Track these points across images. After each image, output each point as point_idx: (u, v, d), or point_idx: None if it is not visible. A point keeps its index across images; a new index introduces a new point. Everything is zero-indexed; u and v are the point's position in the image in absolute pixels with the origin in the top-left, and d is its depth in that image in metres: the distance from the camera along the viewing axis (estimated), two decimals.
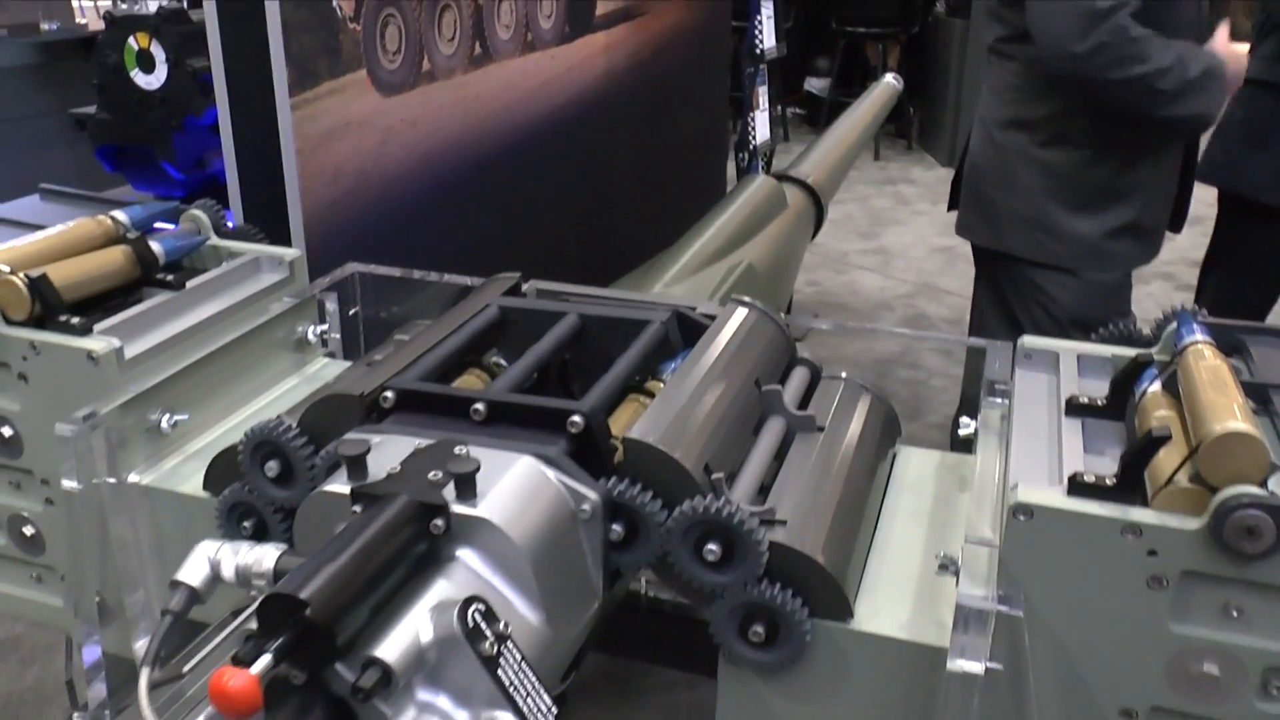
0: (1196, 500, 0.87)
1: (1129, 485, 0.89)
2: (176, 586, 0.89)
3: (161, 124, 1.99)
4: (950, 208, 2.44)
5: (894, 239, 5.69)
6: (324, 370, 1.54)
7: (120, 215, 1.42)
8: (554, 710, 0.85)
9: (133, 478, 1.24)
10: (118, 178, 2.26)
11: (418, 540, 0.90)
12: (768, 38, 4.53)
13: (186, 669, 0.89)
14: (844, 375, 1.31)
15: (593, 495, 0.97)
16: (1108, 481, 0.90)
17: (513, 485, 0.94)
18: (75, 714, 0.80)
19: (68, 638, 1.64)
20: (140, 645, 1.24)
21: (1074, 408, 1.06)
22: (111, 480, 1.21)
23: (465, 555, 0.91)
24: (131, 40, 1.95)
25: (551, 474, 0.97)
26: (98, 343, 1.22)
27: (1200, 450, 0.86)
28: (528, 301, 1.30)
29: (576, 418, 1.00)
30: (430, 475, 0.92)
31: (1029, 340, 1.22)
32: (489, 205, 2.43)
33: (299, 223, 1.79)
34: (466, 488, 0.90)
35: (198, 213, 1.53)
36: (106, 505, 1.22)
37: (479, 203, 2.39)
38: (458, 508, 0.90)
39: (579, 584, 0.98)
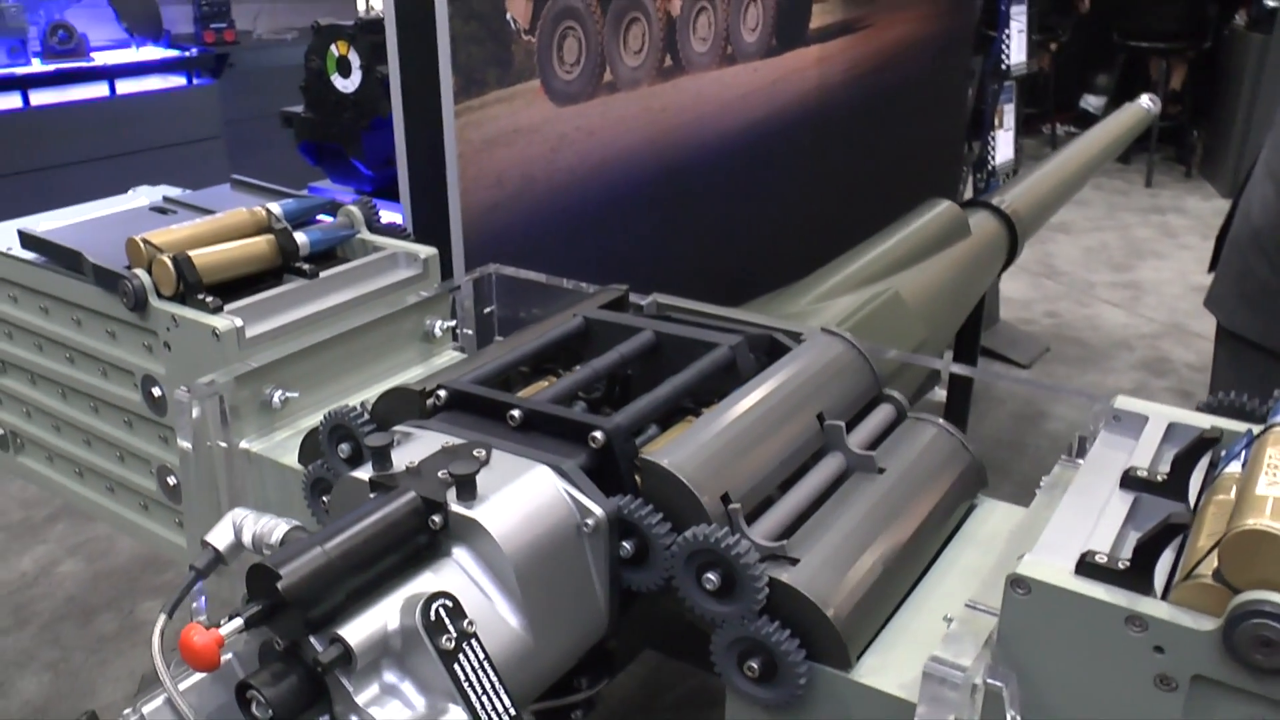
0: (1216, 599, 0.78)
1: (1142, 572, 0.81)
2: (205, 547, 0.98)
3: (353, 124, 2.17)
4: (1211, 267, 1.99)
5: (1150, 273, 5.26)
6: (448, 364, 1.62)
7: (274, 207, 1.55)
8: (512, 712, 0.87)
9: (244, 444, 1.36)
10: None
11: (418, 533, 0.94)
12: (1016, 52, 4.31)
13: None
14: (929, 418, 1.25)
15: (598, 511, 0.98)
16: (1121, 565, 0.82)
17: (517, 491, 0.97)
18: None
19: None
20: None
21: (1131, 480, 0.97)
22: (223, 445, 1.34)
23: (459, 553, 0.95)
24: (333, 47, 2.14)
25: (562, 485, 0.99)
26: (222, 321, 1.35)
27: (1222, 545, 0.77)
28: (611, 314, 1.32)
29: (598, 433, 1.02)
30: (440, 473, 0.96)
31: (1122, 401, 1.12)
32: (669, 218, 2.46)
33: (458, 221, 1.90)
34: (466, 489, 0.94)
35: (353, 208, 1.66)
36: (218, 466, 1.35)
37: (658, 215, 2.43)
38: (455, 507, 0.94)
39: (577, 596, 0.99)
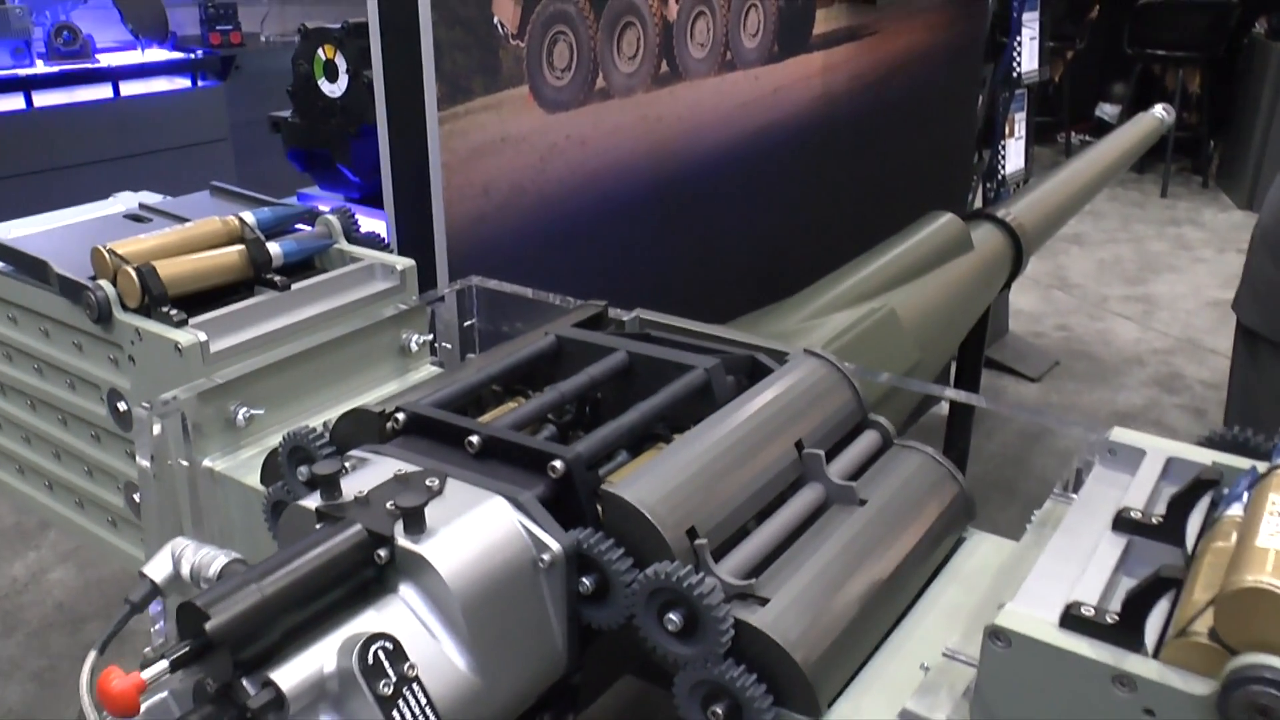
0: (1212, 660, 0.72)
1: (1131, 626, 0.75)
2: (141, 579, 0.93)
3: (341, 131, 2.12)
4: None
5: (1164, 288, 5.18)
6: (425, 378, 1.57)
7: (248, 216, 1.51)
8: None
9: (207, 463, 1.31)
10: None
11: (363, 567, 0.89)
12: (1028, 59, 4.24)
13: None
14: (916, 445, 1.19)
15: (554, 546, 0.93)
16: (1109, 618, 0.76)
17: (469, 525, 0.92)
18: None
19: None
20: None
21: (1124, 522, 0.91)
22: (185, 463, 1.30)
23: (406, 590, 0.89)
24: (320, 51, 2.09)
25: (517, 518, 0.94)
26: (185, 335, 1.30)
27: (1218, 602, 0.71)
28: (584, 333, 1.27)
29: (557, 463, 0.97)
30: (389, 504, 0.91)
31: (1119, 434, 1.06)
32: (665, 230, 2.41)
33: (442, 232, 1.85)
34: (413, 521, 0.89)
35: (331, 218, 1.61)
36: (179, 486, 1.30)
37: (653, 227, 2.38)
38: (402, 541, 0.89)
39: (531, 634, 0.94)
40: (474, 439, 1.02)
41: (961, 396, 1.30)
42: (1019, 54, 4.17)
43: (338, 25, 2.11)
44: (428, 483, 0.95)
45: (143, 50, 4.73)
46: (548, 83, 2.01)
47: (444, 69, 1.76)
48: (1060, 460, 3.75)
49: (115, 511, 1.55)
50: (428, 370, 1.60)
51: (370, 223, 2.19)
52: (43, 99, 4.17)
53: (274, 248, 1.49)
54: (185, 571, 0.92)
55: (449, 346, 1.66)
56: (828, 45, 2.94)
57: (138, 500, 1.49)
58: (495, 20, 1.84)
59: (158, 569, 0.93)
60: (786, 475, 1.09)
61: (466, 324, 1.67)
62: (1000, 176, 4.26)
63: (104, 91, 4.39)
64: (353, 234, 1.63)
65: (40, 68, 4.23)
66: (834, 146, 3.02)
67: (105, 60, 4.49)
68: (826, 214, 3.06)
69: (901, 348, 1.71)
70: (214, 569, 0.91)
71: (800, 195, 2.94)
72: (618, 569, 0.93)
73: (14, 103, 4.09)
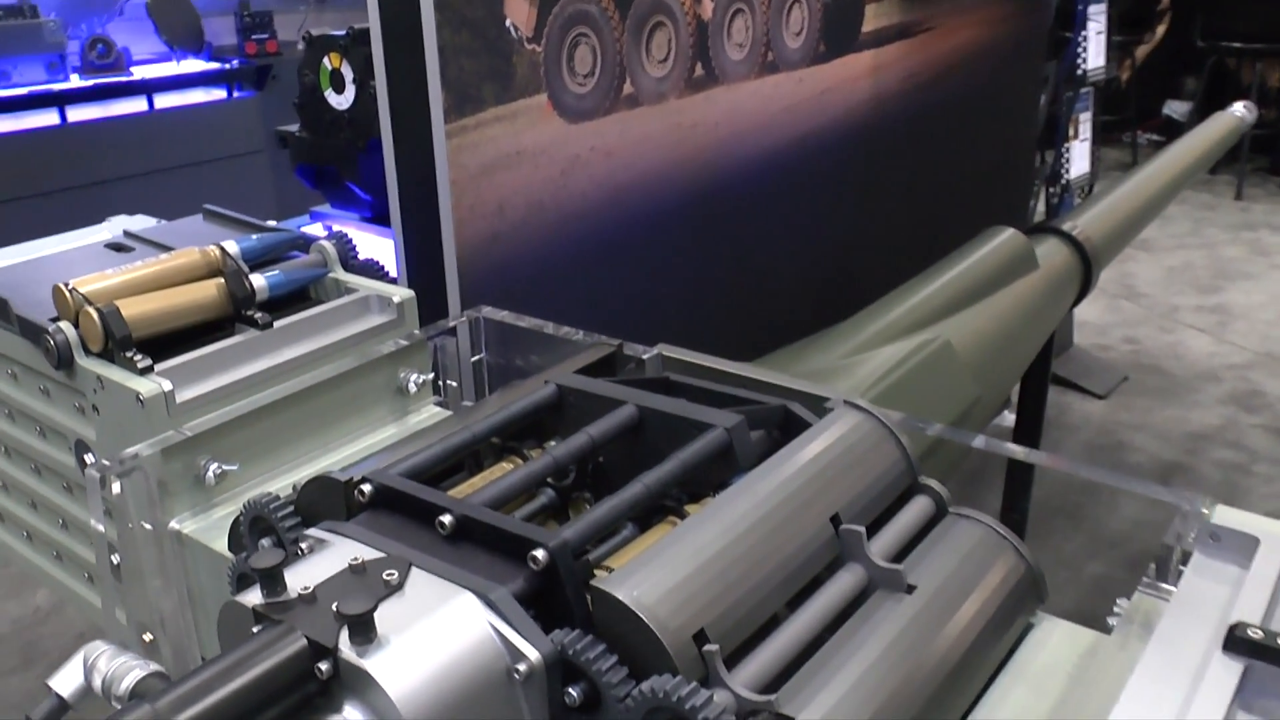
0: None
1: None
2: (48, 693, 0.79)
3: (349, 145, 1.99)
4: None
5: (1239, 296, 4.89)
6: (427, 422, 1.43)
7: (230, 246, 1.37)
8: None
9: (174, 524, 1.18)
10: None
11: (304, 681, 0.75)
12: (1094, 56, 4.01)
13: None
14: (974, 514, 1.01)
15: (533, 655, 0.77)
16: None
17: (429, 630, 0.77)
18: None
19: None
20: None
21: (1239, 642, 0.72)
22: (147, 526, 1.16)
23: (351, 711, 0.74)
24: (326, 60, 1.96)
25: (488, 619, 0.78)
26: (146, 385, 1.17)
27: None
28: (588, 382, 1.11)
29: (539, 553, 0.81)
30: (335, 605, 0.76)
31: (1224, 514, 0.88)
32: (699, 248, 2.25)
33: (452, 254, 1.71)
34: (360, 630, 0.74)
35: (326, 244, 1.47)
36: (140, 549, 1.17)
37: (686, 244, 2.21)
38: (345, 653, 0.74)
39: None
40: (445, 519, 0.87)
41: (1020, 453, 1.13)
42: (1084, 50, 3.94)
43: (343, 32, 1.97)
44: (385, 575, 0.80)
45: (178, 62, 4.67)
46: (569, 90, 1.86)
47: (450, 77, 1.62)
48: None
49: (90, 567, 1.43)
50: (430, 412, 1.45)
51: (383, 243, 2.06)
52: (77, 114, 4.12)
53: (259, 280, 1.36)
54: (97, 684, 0.78)
55: (454, 384, 1.51)
56: (878, 43, 2.75)
57: (115, 561, 1.36)
58: (508, 23, 1.70)
59: (67, 680, 0.79)
60: (820, 557, 0.92)
61: (475, 359, 1.53)
62: (1064, 182, 4.04)
63: (139, 105, 4.33)
64: (350, 261, 1.49)
65: (75, 82, 4.19)
66: (884, 153, 2.83)
67: (140, 73, 4.43)
68: (876, 227, 2.87)
69: (958, 384, 1.53)
70: (126, 684, 0.76)
71: (847, 207, 2.75)
72: (609, 680, 0.77)
73: (48, 118, 4.04)
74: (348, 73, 1.95)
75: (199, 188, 4.17)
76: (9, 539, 1.58)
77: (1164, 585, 0.89)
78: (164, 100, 4.41)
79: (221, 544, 1.15)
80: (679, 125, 2.14)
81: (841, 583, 0.91)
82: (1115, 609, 0.92)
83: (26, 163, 3.99)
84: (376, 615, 0.76)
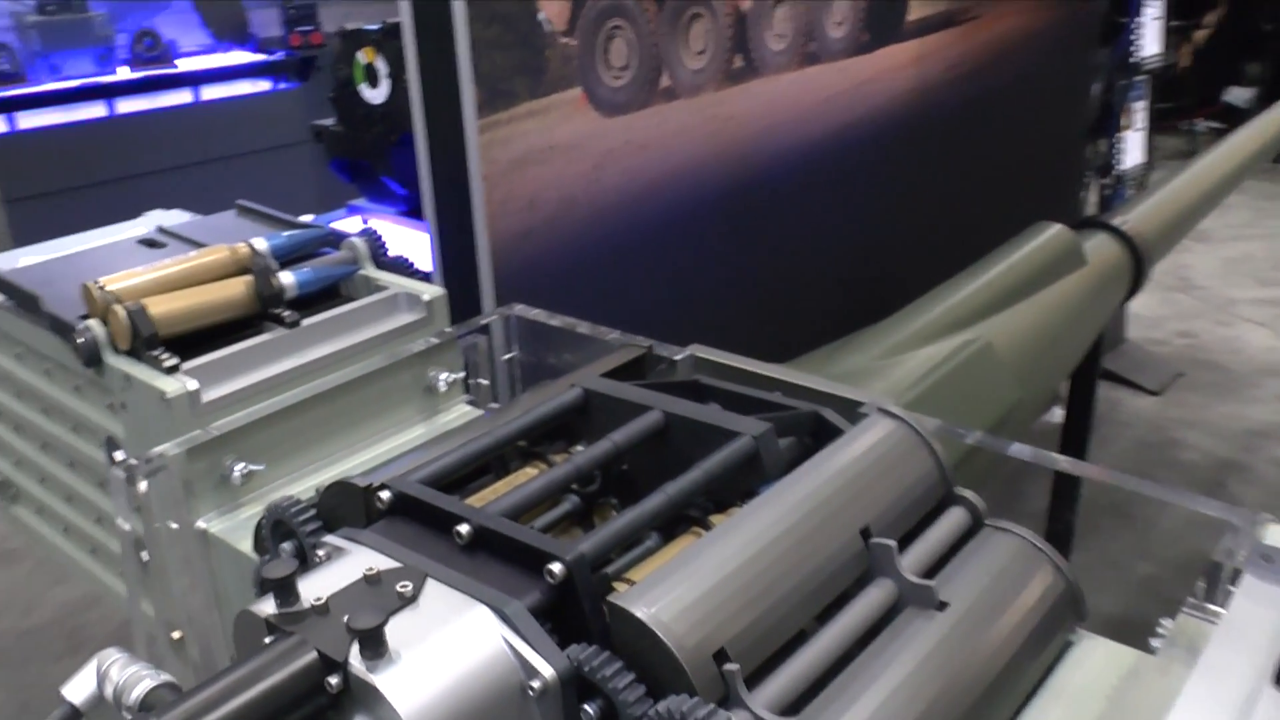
0: None
1: None
2: (61, 702, 0.79)
3: (383, 139, 1.98)
4: None
5: None
6: (456, 422, 1.41)
7: (259, 243, 1.37)
8: None
9: (200, 524, 1.18)
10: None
11: (314, 694, 0.73)
12: (1149, 43, 3.90)
13: None
14: (1011, 527, 0.98)
15: (548, 672, 0.75)
16: None
17: (441, 645, 0.75)
18: None
19: None
20: None
21: None
22: (174, 525, 1.16)
23: None
24: (359, 54, 1.95)
25: (502, 634, 0.77)
26: (172, 384, 1.17)
27: None
28: (615, 386, 1.09)
29: (556, 566, 0.79)
30: (346, 619, 0.75)
31: (1277, 532, 0.83)
32: (736, 243, 2.21)
33: (486, 250, 1.69)
34: (370, 644, 0.73)
35: (356, 241, 1.46)
36: (166, 548, 1.17)
37: (722, 239, 2.18)
38: (356, 667, 0.73)
39: None
40: (463, 529, 0.85)
41: (1065, 464, 1.08)
42: (1139, 36, 3.83)
43: (376, 26, 1.96)
44: (399, 587, 0.79)
45: (224, 53, 4.71)
46: (603, 84, 1.83)
47: (482, 72, 1.60)
48: (1184, 478, 3.43)
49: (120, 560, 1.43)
50: (460, 411, 1.44)
51: (419, 237, 2.05)
52: (125, 106, 4.17)
53: (287, 277, 1.35)
54: (108, 693, 0.77)
55: (485, 383, 1.50)
56: (923, 32, 2.70)
57: (144, 558, 1.37)
58: (540, 16, 1.67)
59: (79, 688, 0.79)
60: (849, 571, 0.89)
61: (507, 357, 1.51)
62: (1116, 173, 3.93)
63: (185, 97, 4.37)
64: (381, 258, 1.48)
65: (123, 74, 4.23)
66: (927, 146, 2.77)
67: (186, 65, 4.48)
68: (918, 223, 2.81)
69: (998, 386, 1.48)
70: (136, 694, 0.76)
71: (888, 202, 2.70)
72: (625, 699, 0.75)
73: (96, 110, 4.10)
74: (381, 67, 1.94)
75: (243, 179, 4.21)
76: (48, 532, 1.60)
77: (1211, 606, 0.85)
78: (209, 92, 4.45)
79: (247, 544, 1.15)
80: (715, 117, 2.11)
81: (870, 599, 0.88)
82: (1159, 629, 0.88)
83: (76, 154, 4.04)
84: (389, 628, 0.74)
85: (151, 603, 1.24)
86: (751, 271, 2.27)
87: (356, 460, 1.30)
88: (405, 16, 1.60)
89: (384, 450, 1.33)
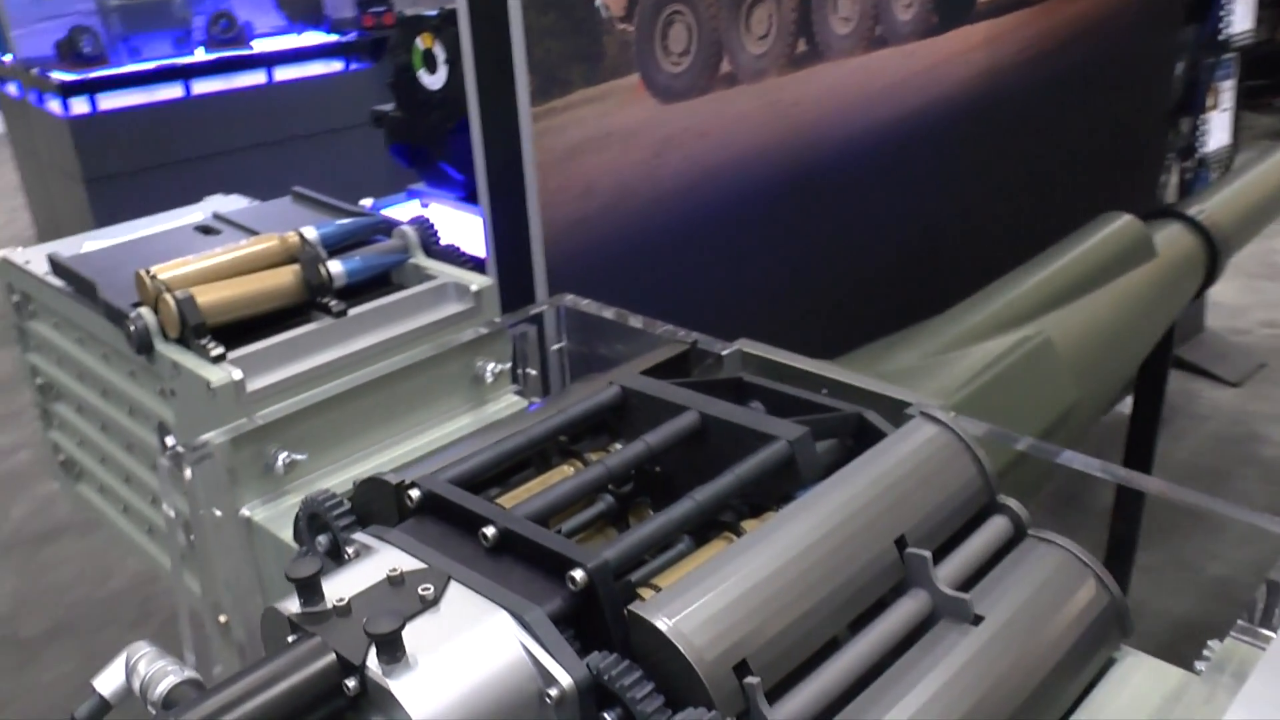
0: None
1: None
2: (92, 693, 0.80)
3: (440, 125, 1.98)
4: None
5: None
6: (504, 412, 1.42)
7: (309, 232, 1.38)
8: None
9: (244, 511, 1.20)
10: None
11: (333, 696, 0.74)
12: (1240, 19, 3.74)
13: None
14: (1055, 538, 0.95)
15: (565, 680, 0.75)
16: None
17: (460, 650, 0.75)
18: None
19: None
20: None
21: None
22: (218, 512, 1.18)
23: None
24: (418, 40, 1.95)
25: (521, 641, 0.76)
26: (217, 373, 1.18)
27: None
28: (653, 384, 1.07)
29: (577, 573, 0.78)
30: (365, 621, 0.75)
31: None
32: (794, 230, 2.18)
33: (539, 239, 1.69)
34: (388, 648, 0.73)
35: (407, 229, 1.47)
36: (209, 535, 1.19)
37: (783, 227, 2.15)
38: (373, 670, 0.73)
39: None
40: (489, 531, 0.85)
41: (1123, 474, 1.04)
42: (1229, 11, 3.68)
43: (434, 11, 1.96)
44: (421, 589, 0.79)
45: (298, 34, 4.77)
46: (662, 70, 1.81)
47: (536, 59, 1.59)
48: (1264, 473, 3.31)
49: (179, 545, 1.46)
50: (508, 401, 1.44)
51: (477, 223, 2.05)
52: (201, 87, 4.25)
53: (336, 266, 1.36)
54: (135, 686, 0.79)
55: (533, 373, 1.49)
56: (995, 13, 2.62)
57: (191, 539, 1.40)
58: (597, 3, 1.66)
59: (109, 680, 0.80)
60: (881, 582, 0.87)
61: (555, 347, 1.51)
62: (1199, 156, 3.79)
63: (259, 78, 4.44)
64: (432, 247, 1.48)
65: (200, 56, 4.31)
66: (998, 132, 2.70)
67: (260, 46, 4.54)
68: (987, 211, 2.74)
69: (1055, 386, 1.44)
70: (161, 689, 0.77)
71: (956, 190, 2.63)
72: (644, 709, 0.74)
73: (174, 91, 4.19)
74: (439, 53, 1.95)
75: (315, 159, 4.27)
76: (108, 510, 1.64)
77: (1265, 632, 0.81)
78: (283, 73, 4.52)
79: (289, 533, 1.16)
80: (778, 103, 2.07)
81: (902, 610, 0.86)
82: (1205, 652, 0.85)
83: (154, 134, 4.14)
84: (409, 632, 0.74)
85: (199, 586, 1.26)
86: (812, 260, 2.23)
87: (401, 450, 1.31)
88: (460, 2, 1.60)
89: (429, 440, 1.33)
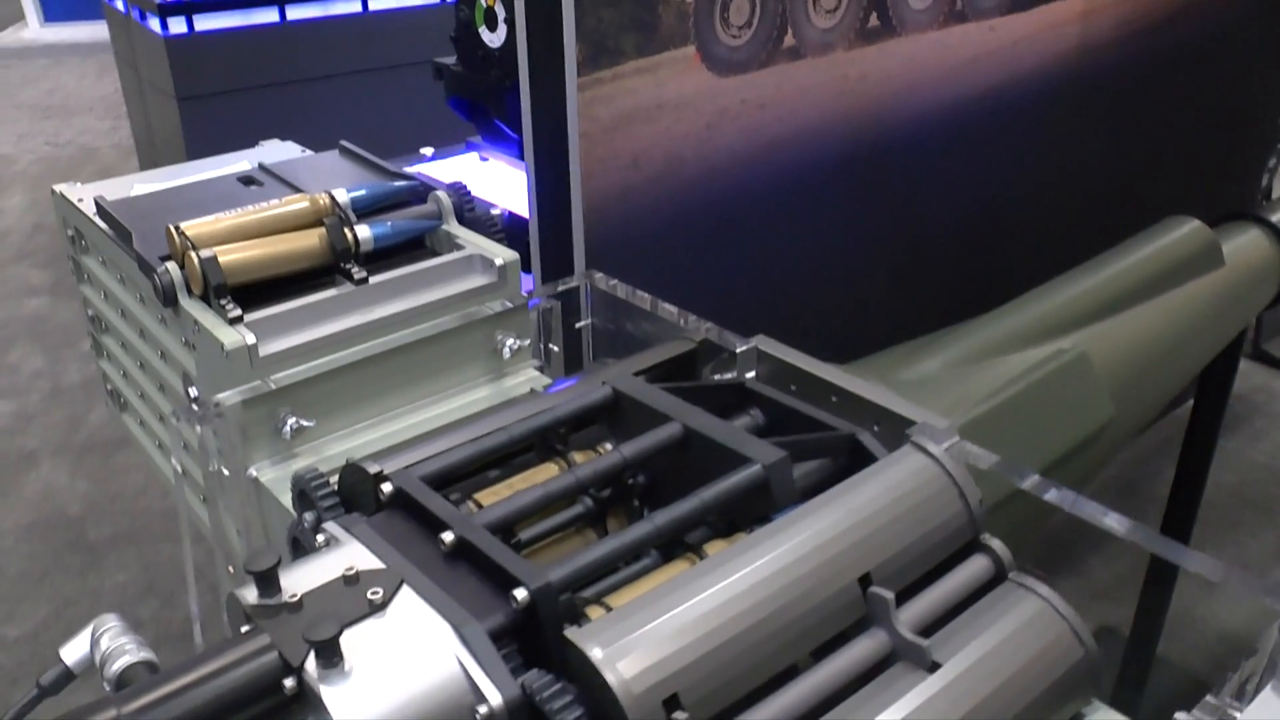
0: None
1: None
2: (59, 661, 0.84)
3: (499, 83, 1.96)
4: None
5: None
6: (522, 387, 1.42)
7: (340, 194, 1.39)
8: None
9: (252, 471, 1.23)
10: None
11: (273, 692, 0.76)
12: None
13: None
14: (1034, 586, 0.92)
15: (495, 699, 0.75)
16: None
17: (395, 659, 0.76)
18: None
19: None
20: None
21: None
22: (225, 471, 1.21)
23: None
24: None
25: (457, 655, 0.77)
26: (231, 335, 1.21)
27: None
28: (643, 390, 1.06)
29: (520, 592, 0.79)
30: (304, 627, 0.76)
31: None
32: (851, 208, 2.12)
33: (579, 209, 1.68)
34: (325, 653, 0.74)
35: (441, 194, 1.47)
36: (215, 492, 1.22)
37: (844, 206, 2.09)
38: (309, 674, 0.74)
39: None
40: (447, 537, 0.85)
41: (1099, 517, 1.00)
42: None
43: None
44: (370, 594, 0.80)
45: None
46: (721, 42, 1.77)
47: (587, 28, 1.56)
48: None
49: (199, 488, 1.51)
50: (529, 376, 1.44)
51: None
52: (295, 12, 4.29)
53: (364, 231, 1.37)
54: (96, 659, 0.82)
55: (555, 349, 1.49)
56: None
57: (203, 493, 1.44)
58: None
59: (75, 650, 0.83)
60: (837, 620, 0.86)
61: (580, 324, 1.50)
62: None
63: (354, 6, 4.46)
64: (465, 214, 1.49)
65: None
66: (1086, 115, 2.57)
67: None
68: (1064, 201, 2.63)
69: (1088, 405, 1.38)
70: (116, 667, 0.80)
71: (1030, 177, 2.53)
72: None
73: (269, 16, 4.23)
74: (500, 11, 1.93)
75: (404, 88, 4.28)
76: (146, 443, 1.70)
77: (1231, 703, 0.78)
78: (377, 2, 4.52)
79: (288, 497, 1.20)
80: (845, 77, 2.01)
81: (857, 650, 0.84)
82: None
83: (248, 57, 4.20)
84: (350, 636, 0.76)
85: (210, 535, 1.31)
86: (867, 243, 2.18)
87: (413, 420, 1.33)
88: None
89: (442, 412, 1.35)
